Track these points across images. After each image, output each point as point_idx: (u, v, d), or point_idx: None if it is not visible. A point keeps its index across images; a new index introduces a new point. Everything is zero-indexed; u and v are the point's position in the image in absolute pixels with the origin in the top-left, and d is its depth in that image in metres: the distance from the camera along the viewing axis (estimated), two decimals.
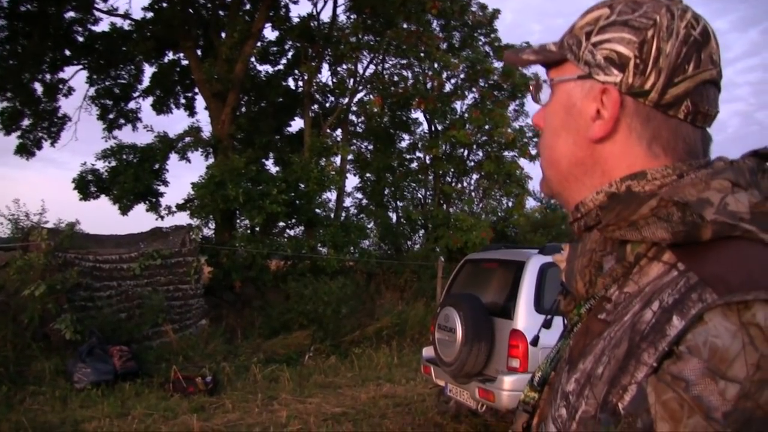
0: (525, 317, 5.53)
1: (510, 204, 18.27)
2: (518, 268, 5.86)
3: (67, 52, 16.13)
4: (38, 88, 16.32)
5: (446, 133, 16.58)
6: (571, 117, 0.86)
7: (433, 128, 18.17)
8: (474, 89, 17.63)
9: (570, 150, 0.86)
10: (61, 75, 16.52)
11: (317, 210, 14.38)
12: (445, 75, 17.39)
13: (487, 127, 16.41)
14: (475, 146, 17.70)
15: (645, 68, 0.79)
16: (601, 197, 0.83)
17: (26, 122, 16.47)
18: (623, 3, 0.82)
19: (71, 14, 15.56)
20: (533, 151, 16.88)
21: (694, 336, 0.62)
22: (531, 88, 0.93)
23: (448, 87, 17.79)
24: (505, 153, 17.41)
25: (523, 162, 17.47)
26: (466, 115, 17.06)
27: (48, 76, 16.30)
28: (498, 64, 16.78)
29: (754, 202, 0.72)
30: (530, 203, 20.27)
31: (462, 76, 17.54)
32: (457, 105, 17.91)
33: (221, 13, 15.13)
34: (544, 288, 5.70)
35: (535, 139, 17.57)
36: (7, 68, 15.16)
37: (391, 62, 17.66)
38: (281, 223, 14.35)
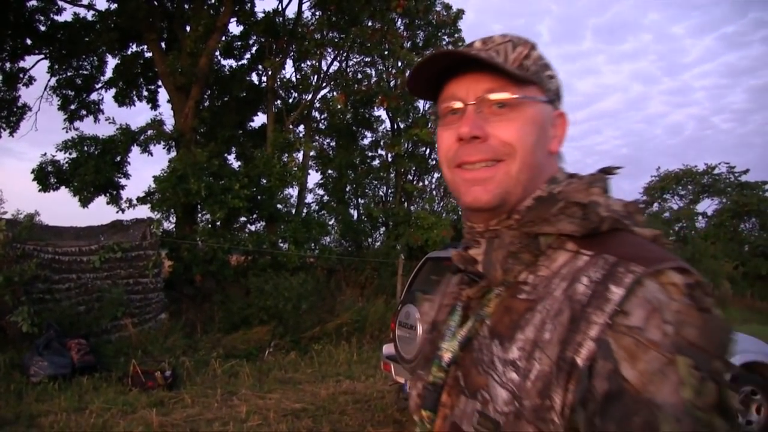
0: None
1: None
2: None
3: (29, 41, 15.80)
4: None
5: (408, 131, 16.66)
6: (544, 132, 1.02)
7: (395, 126, 18.26)
8: None
9: (541, 158, 1.02)
10: (22, 64, 16.23)
11: (279, 206, 14.36)
12: (408, 73, 17.40)
13: None
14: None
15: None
16: (529, 201, 1.01)
17: None
18: (534, 47, 1.05)
19: (33, 3, 15.29)
20: None
21: (639, 295, 0.83)
22: (478, 102, 1.00)
23: None
24: None
25: None
26: (429, 113, 17.19)
27: (8, 65, 15.97)
28: None
29: (623, 203, 1.00)
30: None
31: None
32: (420, 104, 18.02)
33: (186, 6, 14.99)
34: None
35: None
36: None
37: (355, 59, 17.71)
38: (243, 218, 14.31)
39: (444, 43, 17.80)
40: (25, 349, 7.83)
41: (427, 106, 17.90)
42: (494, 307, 1.00)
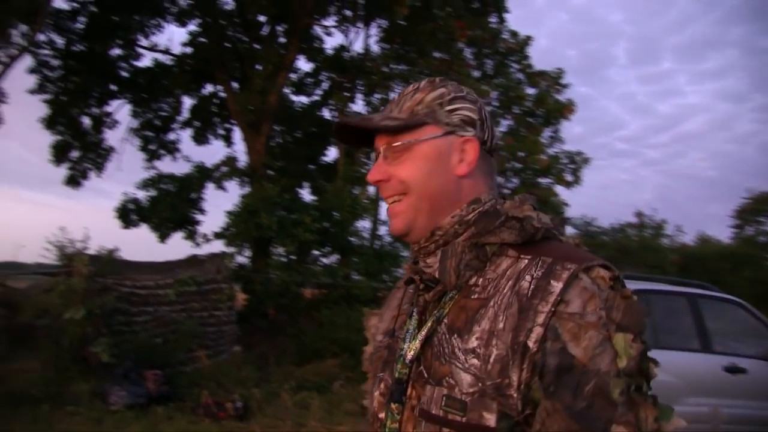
0: None
1: None
2: None
3: (113, 87, 16.78)
4: (86, 121, 17.04)
5: None
6: (442, 162, 1.19)
7: None
8: (507, 116, 17.71)
9: (442, 185, 1.19)
10: (107, 109, 17.21)
11: (351, 238, 14.50)
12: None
13: (521, 154, 16.46)
14: (510, 173, 17.71)
15: (483, 126, 1.21)
16: (473, 215, 1.17)
17: (74, 154, 17.16)
18: (451, 85, 1.22)
19: (117, 51, 16.29)
20: (569, 178, 16.92)
21: (576, 287, 1.02)
22: (384, 151, 1.22)
23: None
24: (541, 180, 17.40)
25: (559, 189, 17.40)
26: (500, 142, 17.07)
27: (95, 110, 16.98)
28: (531, 91, 16.90)
29: (551, 217, 1.20)
30: (567, 231, 20.09)
31: (495, 103, 17.65)
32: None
33: (256, 46, 15.56)
34: None
35: (571, 165, 17.59)
36: (59, 104, 15.97)
37: None
38: (316, 252, 14.49)
39: (512, 70, 17.79)
40: (105, 378, 8.13)
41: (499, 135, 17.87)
42: (450, 308, 1.16)
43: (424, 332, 1.18)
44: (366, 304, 11.97)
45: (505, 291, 1.09)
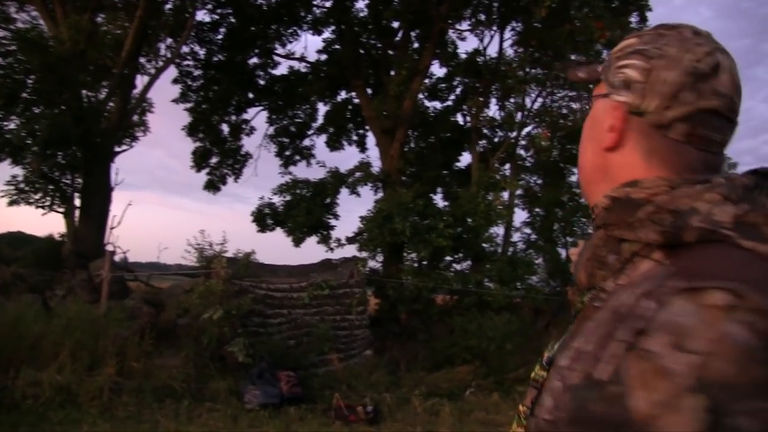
0: None
1: None
2: None
3: (251, 95, 17.54)
4: (225, 128, 17.95)
5: None
6: (595, 129, 1.01)
7: None
8: None
9: (591, 157, 1.01)
10: (245, 116, 18.07)
11: (484, 245, 14.22)
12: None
13: None
14: None
15: (646, 92, 0.90)
16: (605, 201, 0.93)
17: (214, 160, 18.11)
18: (650, 34, 0.95)
19: (254, 60, 17.00)
20: None
21: (665, 316, 0.72)
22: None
23: None
24: None
25: None
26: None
27: (233, 118, 17.84)
28: None
29: (738, 213, 0.82)
30: None
31: None
32: None
33: (390, 52, 15.68)
34: None
35: None
36: (200, 112, 16.90)
37: (559, 95, 17.30)
38: (448, 258, 14.34)
39: None
40: (241, 377, 8.39)
41: None
42: (583, 311, 0.95)
43: (564, 335, 1.01)
44: (498, 312, 11.72)
45: (613, 304, 0.83)
